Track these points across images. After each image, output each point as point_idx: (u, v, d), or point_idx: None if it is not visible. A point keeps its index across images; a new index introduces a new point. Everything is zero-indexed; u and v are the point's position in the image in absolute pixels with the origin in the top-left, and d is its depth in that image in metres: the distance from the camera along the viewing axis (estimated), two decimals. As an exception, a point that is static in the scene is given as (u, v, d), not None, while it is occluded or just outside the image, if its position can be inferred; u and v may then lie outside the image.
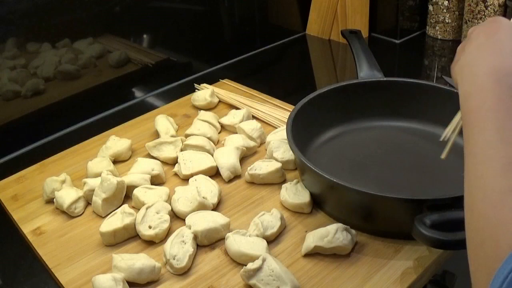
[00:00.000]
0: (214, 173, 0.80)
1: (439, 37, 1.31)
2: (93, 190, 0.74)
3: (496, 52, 0.42)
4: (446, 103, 0.77)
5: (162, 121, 0.91)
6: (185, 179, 0.79)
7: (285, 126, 0.88)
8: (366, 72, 0.87)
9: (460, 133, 0.53)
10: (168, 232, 0.68)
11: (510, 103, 0.38)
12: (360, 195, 0.62)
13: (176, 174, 0.81)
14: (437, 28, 1.30)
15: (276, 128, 0.90)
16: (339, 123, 0.86)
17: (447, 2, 1.25)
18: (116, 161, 0.84)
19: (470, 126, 0.39)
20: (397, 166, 0.77)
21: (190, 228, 0.66)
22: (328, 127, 0.85)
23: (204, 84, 1.09)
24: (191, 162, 0.80)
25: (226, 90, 1.05)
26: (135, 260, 0.61)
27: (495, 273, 0.31)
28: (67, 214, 0.74)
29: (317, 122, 0.83)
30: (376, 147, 0.82)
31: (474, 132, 0.39)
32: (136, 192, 0.73)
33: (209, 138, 0.86)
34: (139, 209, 0.70)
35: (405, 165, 0.77)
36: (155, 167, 0.79)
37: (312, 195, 0.71)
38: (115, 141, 0.86)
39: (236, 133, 0.89)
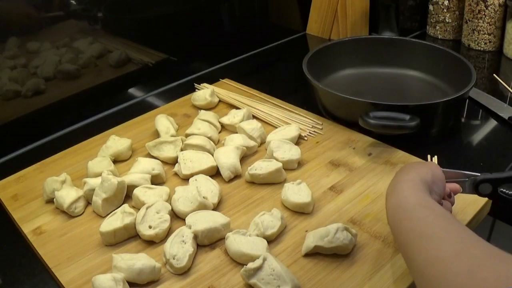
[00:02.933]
0: (214, 172, 0.80)
1: (440, 36, 1.31)
2: (93, 190, 0.74)
3: (414, 173, 0.58)
4: (432, 57, 1.04)
5: (162, 121, 0.91)
6: (185, 179, 0.79)
7: (285, 126, 0.89)
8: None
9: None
10: (168, 232, 0.68)
11: (431, 206, 0.51)
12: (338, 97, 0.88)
13: (176, 174, 0.81)
14: (437, 27, 1.30)
15: (277, 127, 0.90)
16: (350, 67, 1.09)
17: (447, 1, 1.25)
18: (116, 160, 0.84)
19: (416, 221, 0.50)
20: (381, 90, 1.02)
21: (190, 228, 0.66)
22: (340, 70, 1.09)
23: (204, 84, 1.09)
24: (191, 161, 0.80)
25: (226, 90, 1.05)
26: (135, 260, 0.61)
27: None
28: (67, 214, 0.74)
29: (329, 65, 1.06)
30: (375, 83, 1.06)
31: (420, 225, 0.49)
32: (136, 192, 0.73)
33: (209, 138, 0.86)
34: (139, 209, 0.70)
35: (388, 91, 1.02)
36: (156, 166, 0.79)
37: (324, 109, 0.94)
38: (115, 141, 0.86)
39: (236, 132, 0.89)
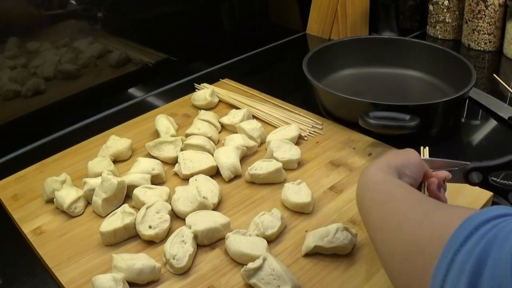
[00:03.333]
0: (214, 173, 0.80)
1: (440, 36, 1.31)
2: (93, 190, 0.74)
3: (383, 159, 0.61)
4: (432, 57, 1.04)
5: (162, 121, 0.91)
6: (185, 179, 0.79)
7: (285, 126, 0.89)
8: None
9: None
10: (168, 232, 0.68)
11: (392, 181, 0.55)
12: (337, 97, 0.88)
13: (176, 174, 0.81)
14: (437, 27, 1.30)
15: (276, 127, 0.90)
16: (350, 67, 1.09)
17: (447, 1, 1.25)
18: (116, 160, 0.84)
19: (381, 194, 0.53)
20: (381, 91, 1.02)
21: (190, 228, 0.66)
22: (340, 70, 1.08)
23: (204, 84, 1.09)
24: (191, 161, 0.80)
25: (226, 90, 1.05)
26: (135, 260, 0.61)
27: (430, 278, 0.36)
28: (67, 214, 0.74)
29: (329, 65, 1.06)
30: (375, 83, 1.06)
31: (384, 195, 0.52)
32: (136, 192, 0.73)
33: (209, 138, 0.86)
34: (139, 209, 0.70)
35: (388, 90, 1.03)
36: (156, 166, 0.79)
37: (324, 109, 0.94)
38: (115, 141, 0.86)
39: (237, 132, 0.89)
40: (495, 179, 0.60)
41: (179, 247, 0.63)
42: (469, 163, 0.60)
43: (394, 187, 0.53)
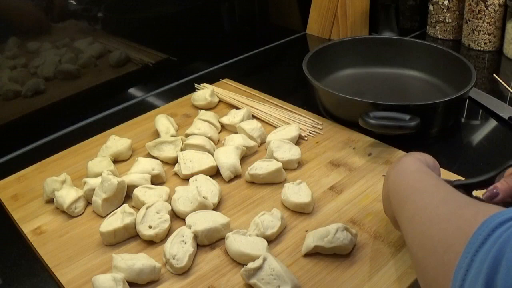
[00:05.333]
0: (214, 172, 0.80)
1: (440, 36, 1.31)
2: (93, 190, 0.74)
3: (418, 154, 0.63)
4: (432, 57, 1.05)
5: (162, 121, 0.91)
6: (185, 179, 0.79)
7: (285, 126, 0.89)
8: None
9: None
10: (168, 232, 0.68)
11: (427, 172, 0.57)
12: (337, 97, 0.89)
13: (176, 174, 0.81)
14: (437, 27, 1.30)
15: (277, 127, 0.90)
16: (350, 67, 1.09)
17: (447, 1, 1.25)
18: (116, 160, 0.84)
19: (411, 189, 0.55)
20: (382, 92, 1.02)
21: (190, 228, 0.66)
22: (340, 70, 1.09)
23: (204, 84, 1.09)
24: (191, 161, 0.80)
25: (226, 90, 1.05)
26: (135, 260, 0.61)
27: (452, 274, 0.38)
28: (67, 214, 0.74)
29: (329, 65, 1.06)
30: (376, 83, 1.06)
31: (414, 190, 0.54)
32: (136, 192, 0.73)
33: (209, 138, 0.86)
34: (139, 209, 0.70)
35: (387, 91, 1.03)
36: (156, 166, 0.79)
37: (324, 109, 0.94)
38: (115, 141, 0.86)
39: (236, 132, 0.89)
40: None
41: (179, 247, 0.63)
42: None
43: (429, 178, 0.54)
